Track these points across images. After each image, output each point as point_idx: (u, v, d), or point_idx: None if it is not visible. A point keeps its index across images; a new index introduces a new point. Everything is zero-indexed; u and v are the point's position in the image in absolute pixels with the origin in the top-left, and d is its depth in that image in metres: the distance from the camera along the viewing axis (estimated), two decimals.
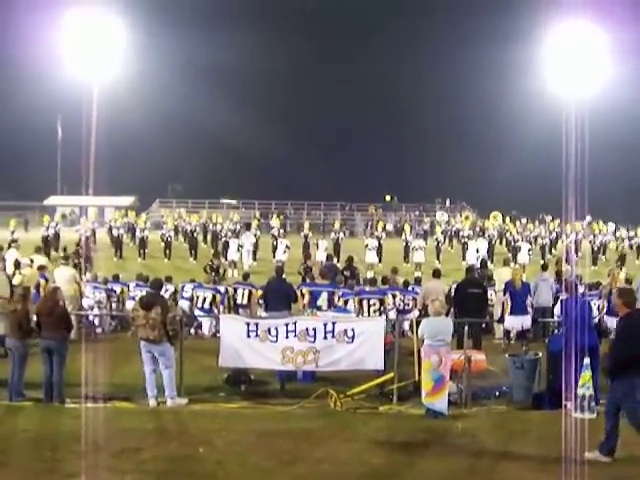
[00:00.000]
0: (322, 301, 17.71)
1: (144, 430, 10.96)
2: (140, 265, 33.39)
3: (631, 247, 41.33)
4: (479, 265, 23.62)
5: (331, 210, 68.98)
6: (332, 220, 51.13)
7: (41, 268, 19.62)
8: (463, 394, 12.87)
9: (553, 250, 41.42)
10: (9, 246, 27.13)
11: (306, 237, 38.16)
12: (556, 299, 17.93)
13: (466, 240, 38.68)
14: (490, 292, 18.79)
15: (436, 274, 18.57)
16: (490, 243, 38.55)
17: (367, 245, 34.32)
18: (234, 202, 70.03)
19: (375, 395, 13.27)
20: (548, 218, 52.14)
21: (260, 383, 14.17)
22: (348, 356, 13.27)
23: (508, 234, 42.58)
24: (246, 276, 20.51)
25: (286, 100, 79.36)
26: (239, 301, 19.17)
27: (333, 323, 13.42)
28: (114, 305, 20.16)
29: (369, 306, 17.28)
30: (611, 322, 16.38)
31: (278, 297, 16.15)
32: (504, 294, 17.43)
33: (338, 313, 16.34)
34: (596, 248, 39.06)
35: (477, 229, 45.31)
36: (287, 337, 13.25)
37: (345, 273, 21.61)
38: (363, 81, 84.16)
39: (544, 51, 39.00)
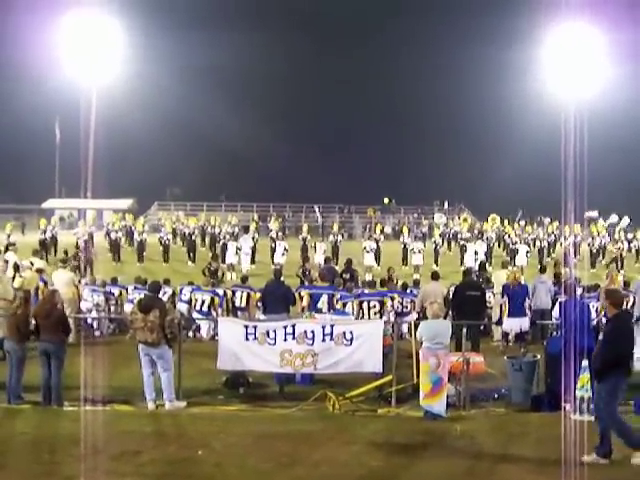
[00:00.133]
0: (322, 304, 17.74)
1: (143, 433, 10.95)
2: (138, 268, 33.34)
3: (630, 250, 41.32)
4: (478, 268, 23.63)
5: (330, 213, 69.01)
6: (330, 223, 51.14)
7: (39, 271, 19.59)
8: (462, 396, 12.87)
9: (552, 252, 41.41)
10: (6, 249, 27.10)
11: (304, 240, 38.16)
12: (554, 301, 17.94)
13: (464, 243, 38.65)
14: (488, 294, 18.79)
15: (434, 277, 18.57)
16: (488, 246, 38.56)
17: (365, 247, 34.30)
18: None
19: (374, 397, 13.26)
20: (547, 220, 52.16)
21: (258, 386, 14.17)
22: (347, 359, 13.26)
23: (507, 236, 42.60)
24: (244, 279, 20.49)
25: (284, 101, 79.38)
26: (238, 304, 19.14)
27: (331, 326, 13.42)
28: (112, 308, 20.14)
29: (369, 308, 17.28)
30: None
31: (276, 300, 16.16)
32: (502, 296, 17.44)
33: (337, 316, 16.35)
34: (595, 250, 39.07)
35: (475, 232, 45.33)
36: (285, 340, 13.25)
37: (344, 276, 21.58)
38: (362, 82, 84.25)
39: (543, 52, 39.15)
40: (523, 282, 18.21)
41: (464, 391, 12.89)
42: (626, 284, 19.70)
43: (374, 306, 17.31)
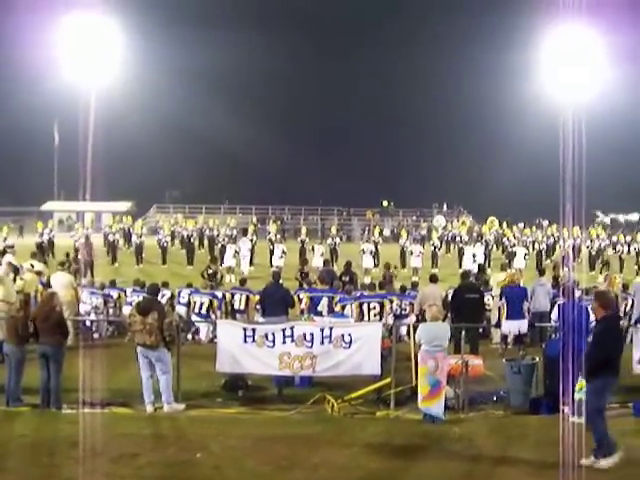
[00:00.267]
0: (322, 307, 17.75)
1: (141, 435, 10.95)
2: (136, 271, 33.35)
3: (629, 252, 41.35)
4: (477, 270, 23.64)
5: (328, 215, 69.01)
6: (329, 225, 51.16)
7: (38, 274, 19.57)
8: (460, 399, 12.88)
9: (551, 255, 41.41)
10: (4, 252, 27.05)
11: (303, 242, 38.16)
12: (553, 304, 17.95)
13: (463, 245, 38.63)
14: (487, 297, 18.80)
15: (433, 279, 18.56)
16: (487, 248, 38.56)
17: (363, 250, 34.30)
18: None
19: (372, 400, 13.26)
20: (545, 223, 52.18)
21: (257, 388, 14.17)
22: (345, 361, 13.26)
23: (505, 239, 42.60)
24: (243, 281, 20.50)
25: (283, 103, 79.44)
26: (236, 306, 19.14)
27: (330, 328, 13.42)
28: (111, 310, 20.11)
29: (369, 310, 17.29)
30: None
31: (275, 302, 16.14)
32: (500, 299, 17.43)
33: (335, 318, 16.35)
34: (593, 253, 39.09)
35: (474, 234, 45.32)
36: (284, 342, 13.24)
37: (344, 278, 21.60)
38: (361, 84, 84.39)
39: (542, 54, 39.09)
40: (522, 284, 18.21)
41: (463, 394, 12.89)
42: (625, 287, 19.73)
43: (374, 308, 17.34)
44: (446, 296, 18.13)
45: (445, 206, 72.61)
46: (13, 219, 57.95)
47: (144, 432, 11.19)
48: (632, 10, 39.19)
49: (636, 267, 37.90)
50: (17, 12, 46.87)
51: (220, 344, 13.59)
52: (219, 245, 38.82)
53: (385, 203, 75.43)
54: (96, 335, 19.13)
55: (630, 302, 18.24)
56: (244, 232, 41.17)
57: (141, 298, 15.41)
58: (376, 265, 34.15)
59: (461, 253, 37.43)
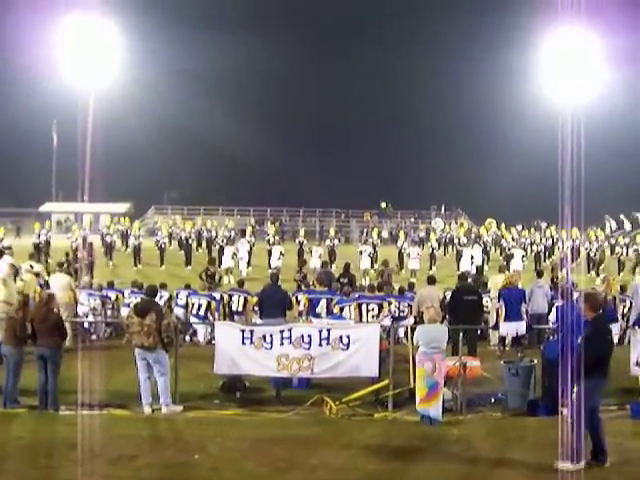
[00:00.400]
0: (321, 308, 17.74)
1: (139, 437, 10.95)
2: (134, 272, 33.35)
3: (627, 254, 41.34)
4: (475, 272, 23.64)
5: (326, 217, 68.99)
6: (328, 227, 51.12)
7: (37, 275, 19.55)
8: (458, 401, 12.87)
9: (549, 257, 41.41)
10: (2, 253, 27.02)
11: (301, 244, 38.16)
12: (551, 306, 17.96)
13: (461, 247, 38.59)
14: (485, 299, 18.80)
15: (430, 281, 18.56)
16: (485, 250, 38.52)
17: (361, 251, 34.30)
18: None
19: (370, 402, 13.25)
20: (543, 225, 52.16)
21: (255, 390, 14.16)
22: (343, 363, 13.24)
23: (503, 241, 42.59)
24: (241, 283, 20.48)
25: (281, 105, 79.37)
26: (234, 308, 19.11)
27: (328, 330, 13.40)
28: (109, 312, 20.11)
29: (367, 311, 17.29)
30: None
31: (273, 304, 16.13)
32: (498, 301, 17.42)
33: (333, 320, 16.34)
34: (592, 255, 39.06)
35: (472, 236, 45.28)
36: (282, 344, 13.23)
37: (342, 280, 21.59)
38: (360, 86, 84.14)
39: (541, 56, 39.15)
40: (520, 286, 18.22)
41: (461, 395, 12.88)
42: (622, 288, 19.74)
43: (372, 309, 17.34)
44: (444, 298, 18.12)
45: (443, 208, 72.56)
46: (11, 220, 57.89)
47: (142, 434, 11.19)
48: (631, 12, 39.27)
49: (634, 269, 37.93)
50: (16, 13, 46.92)
51: (218, 346, 13.58)
52: (217, 246, 38.81)
53: (383, 205, 75.32)
54: (94, 337, 19.13)
55: (628, 304, 18.26)
56: (242, 233, 41.18)
57: (139, 299, 15.40)
58: (374, 267, 34.15)
59: (459, 255, 37.42)
